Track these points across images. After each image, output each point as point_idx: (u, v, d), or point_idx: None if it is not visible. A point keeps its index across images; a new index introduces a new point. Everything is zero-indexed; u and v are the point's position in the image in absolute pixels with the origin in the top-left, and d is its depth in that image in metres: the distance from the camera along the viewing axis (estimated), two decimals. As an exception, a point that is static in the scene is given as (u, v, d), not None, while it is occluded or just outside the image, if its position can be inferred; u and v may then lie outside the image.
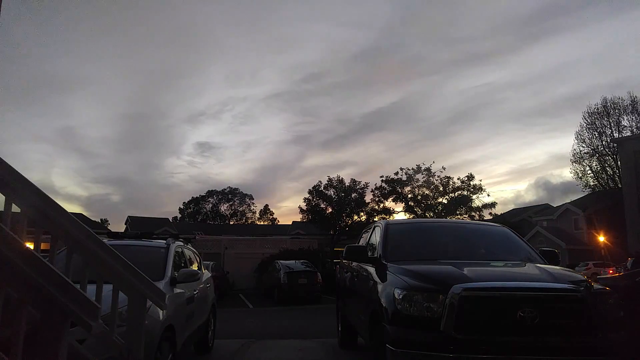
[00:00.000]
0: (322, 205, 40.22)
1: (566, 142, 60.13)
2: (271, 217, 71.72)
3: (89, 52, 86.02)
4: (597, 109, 40.88)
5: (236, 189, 67.99)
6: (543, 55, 79.79)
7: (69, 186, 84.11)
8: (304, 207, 40.44)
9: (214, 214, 67.12)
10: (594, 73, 77.76)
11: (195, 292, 6.04)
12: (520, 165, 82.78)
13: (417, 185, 38.57)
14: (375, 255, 5.26)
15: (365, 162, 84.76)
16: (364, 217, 39.25)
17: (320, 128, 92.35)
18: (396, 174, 38.90)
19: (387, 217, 36.81)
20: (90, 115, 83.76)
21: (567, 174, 42.84)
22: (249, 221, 67.87)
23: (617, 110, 40.15)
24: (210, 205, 67.83)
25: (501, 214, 38.73)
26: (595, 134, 41.10)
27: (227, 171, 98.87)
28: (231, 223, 64.10)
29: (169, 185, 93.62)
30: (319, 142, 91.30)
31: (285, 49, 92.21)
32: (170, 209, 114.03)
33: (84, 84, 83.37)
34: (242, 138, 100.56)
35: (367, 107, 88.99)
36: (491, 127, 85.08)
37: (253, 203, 69.18)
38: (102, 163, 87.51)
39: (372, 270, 4.97)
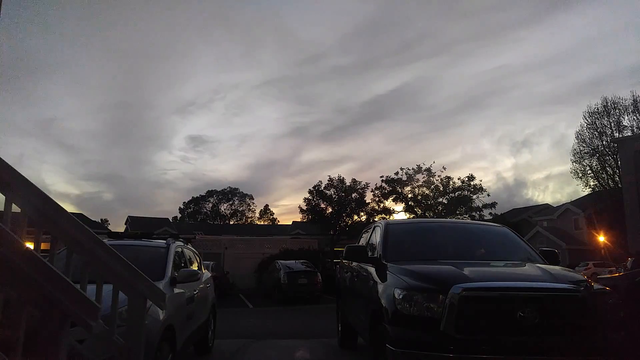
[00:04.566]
0: (322, 205, 40.29)
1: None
2: (271, 217, 71.78)
3: (64, 32, 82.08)
4: (597, 108, 40.97)
5: (236, 189, 68.04)
6: (563, 29, 72.86)
7: (58, 183, 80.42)
8: (304, 207, 40.54)
9: (214, 214, 67.12)
10: (622, 51, 70.07)
11: (195, 292, 6.04)
12: (528, 159, 78.18)
13: (417, 185, 38.64)
14: (375, 255, 5.27)
15: (365, 157, 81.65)
16: (364, 217, 39.34)
17: (318, 119, 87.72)
18: (396, 173, 39.00)
19: (387, 217, 36.84)
20: (71, 104, 79.88)
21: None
22: (249, 221, 67.87)
23: (617, 110, 40.18)
24: (210, 205, 67.85)
25: (501, 214, 38.70)
26: (595, 134, 41.13)
27: (223, 168, 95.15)
28: (231, 223, 64.08)
29: (163, 182, 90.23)
30: (317, 134, 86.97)
31: (278, 26, 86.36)
32: (169, 209, 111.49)
33: (60, 68, 79.86)
34: (236, 131, 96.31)
35: (367, 95, 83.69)
36: (501, 117, 79.82)
37: (253, 203, 69.24)
38: (90, 158, 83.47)
39: (372, 270, 4.97)
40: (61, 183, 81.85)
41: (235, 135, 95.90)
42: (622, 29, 69.41)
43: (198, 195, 67.77)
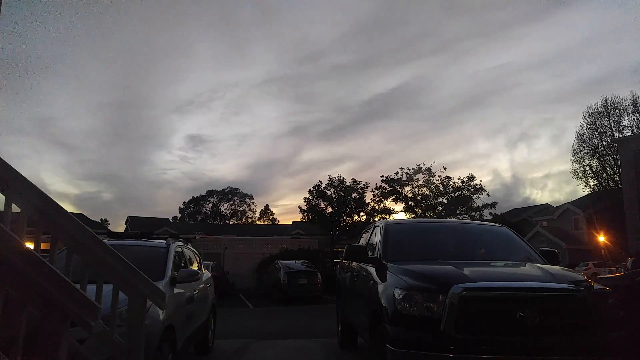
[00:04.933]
0: (322, 205, 40.28)
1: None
2: (271, 217, 71.79)
3: (63, 32, 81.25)
4: (597, 108, 41.03)
5: (236, 189, 68.04)
6: (564, 28, 71.98)
7: (58, 183, 79.69)
8: (304, 207, 40.55)
9: (214, 214, 67.11)
10: (622, 50, 69.02)
11: (195, 292, 6.04)
12: (528, 158, 76.98)
13: (417, 185, 38.63)
14: (375, 255, 5.26)
15: (365, 156, 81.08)
16: (364, 217, 39.32)
17: (318, 118, 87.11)
18: (396, 173, 38.99)
19: (387, 217, 36.83)
20: (70, 103, 79.49)
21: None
22: (249, 221, 67.86)
23: (617, 110, 40.22)
24: (210, 205, 67.84)
25: (501, 214, 38.65)
26: (595, 134, 41.19)
27: (222, 167, 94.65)
28: (231, 223, 64.07)
29: (162, 182, 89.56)
30: (317, 133, 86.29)
31: (277, 24, 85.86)
32: (169, 209, 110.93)
33: (59, 67, 79.25)
34: (236, 130, 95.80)
35: (367, 93, 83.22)
36: (501, 115, 79.03)
37: (253, 203, 69.24)
38: (89, 158, 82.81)
39: (372, 270, 4.97)
40: (60, 183, 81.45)
41: (234, 135, 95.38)
42: (622, 29, 69.16)
43: (198, 195, 67.82)
